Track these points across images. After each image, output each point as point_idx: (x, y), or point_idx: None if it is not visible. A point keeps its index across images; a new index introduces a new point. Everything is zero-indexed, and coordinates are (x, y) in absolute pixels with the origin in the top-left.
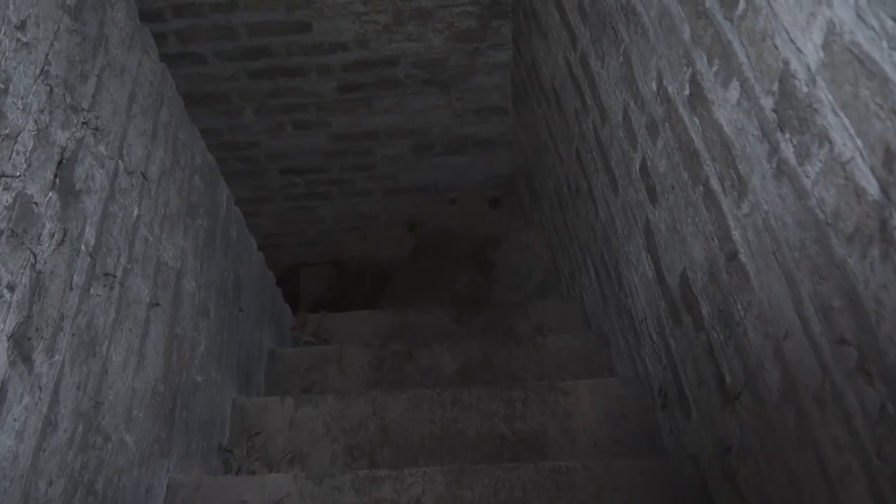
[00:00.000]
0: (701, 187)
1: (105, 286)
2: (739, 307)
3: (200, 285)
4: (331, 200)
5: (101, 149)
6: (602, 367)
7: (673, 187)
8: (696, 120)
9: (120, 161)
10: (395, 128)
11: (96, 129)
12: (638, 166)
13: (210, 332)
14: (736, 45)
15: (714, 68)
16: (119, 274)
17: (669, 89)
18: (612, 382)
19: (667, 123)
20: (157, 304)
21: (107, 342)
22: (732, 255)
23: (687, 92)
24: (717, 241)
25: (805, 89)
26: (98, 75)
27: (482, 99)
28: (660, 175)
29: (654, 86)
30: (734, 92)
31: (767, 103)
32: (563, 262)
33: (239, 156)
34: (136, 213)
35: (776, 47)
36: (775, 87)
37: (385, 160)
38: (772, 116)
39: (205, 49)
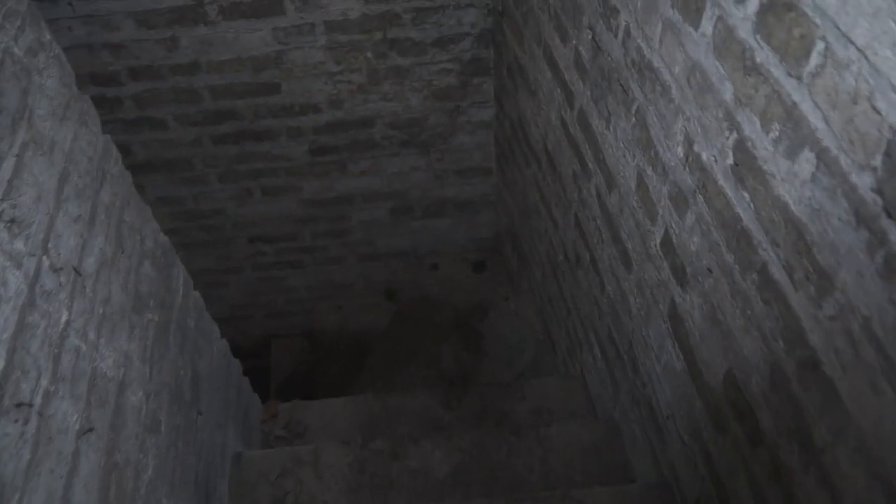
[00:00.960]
0: (755, 275)
1: (16, 421)
2: (824, 431)
3: (149, 394)
4: (303, 269)
5: (19, 245)
6: (616, 464)
7: (710, 270)
8: (746, 194)
9: (44, 257)
10: (372, 191)
11: (12, 220)
12: (658, 241)
13: (160, 449)
14: (806, 107)
15: (772, 135)
16: (38, 401)
17: (703, 156)
18: (636, 491)
19: (700, 196)
20: (91, 430)
21: (18, 495)
22: (811, 365)
23: (730, 161)
24: (782, 342)
25: None
26: (17, 155)
27: (464, 159)
28: (690, 254)
29: (680, 151)
30: (806, 164)
31: (864, 181)
32: (559, 334)
33: (203, 224)
34: (64, 318)
35: (878, 111)
36: (877, 162)
37: (361, 225)
38: (872, 198)
39: (165, 113)
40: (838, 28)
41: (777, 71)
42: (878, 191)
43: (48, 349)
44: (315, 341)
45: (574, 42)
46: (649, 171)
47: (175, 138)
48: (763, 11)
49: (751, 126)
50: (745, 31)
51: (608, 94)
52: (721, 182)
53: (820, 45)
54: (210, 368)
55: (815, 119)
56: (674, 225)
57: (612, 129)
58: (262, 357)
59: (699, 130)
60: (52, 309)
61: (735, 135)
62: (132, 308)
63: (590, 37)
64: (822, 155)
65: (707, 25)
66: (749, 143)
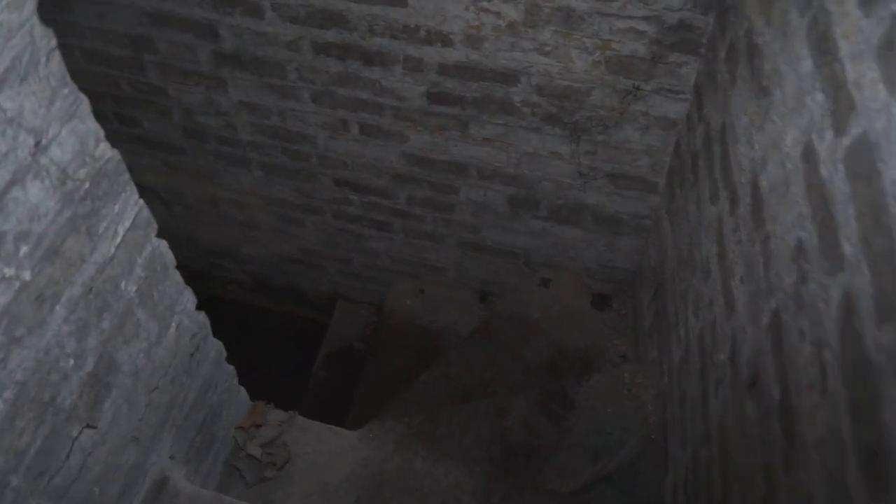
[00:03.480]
0: None
1: None
2: None
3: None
4: (390, 234)
5: None
6: None
7: None
8: None
9: None
10: (493, 167)
11: None
12: None
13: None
14: None
15: None
16: None
17: None
18: None
19: None
20: None
21: None
22: None
23: None
24: None
25: None
26: None
27: (623, 160)
28: None
29: None
30: None
31: None
32: (679, 452)
33: (287, 148)
34: None
35: None
36: None
37: (469, 205)
38: None
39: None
40: None
41: None
42: None
43: None
44: (383, 320)
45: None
46: None
47: (270, 33)
48: None
49: None
50: None
51: None
52: None
53: None
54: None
55: None
56: None
57: None
58: (324, 312)
59: None
60: None
61: None
62: None
63: None
64: None
65: None
66: None
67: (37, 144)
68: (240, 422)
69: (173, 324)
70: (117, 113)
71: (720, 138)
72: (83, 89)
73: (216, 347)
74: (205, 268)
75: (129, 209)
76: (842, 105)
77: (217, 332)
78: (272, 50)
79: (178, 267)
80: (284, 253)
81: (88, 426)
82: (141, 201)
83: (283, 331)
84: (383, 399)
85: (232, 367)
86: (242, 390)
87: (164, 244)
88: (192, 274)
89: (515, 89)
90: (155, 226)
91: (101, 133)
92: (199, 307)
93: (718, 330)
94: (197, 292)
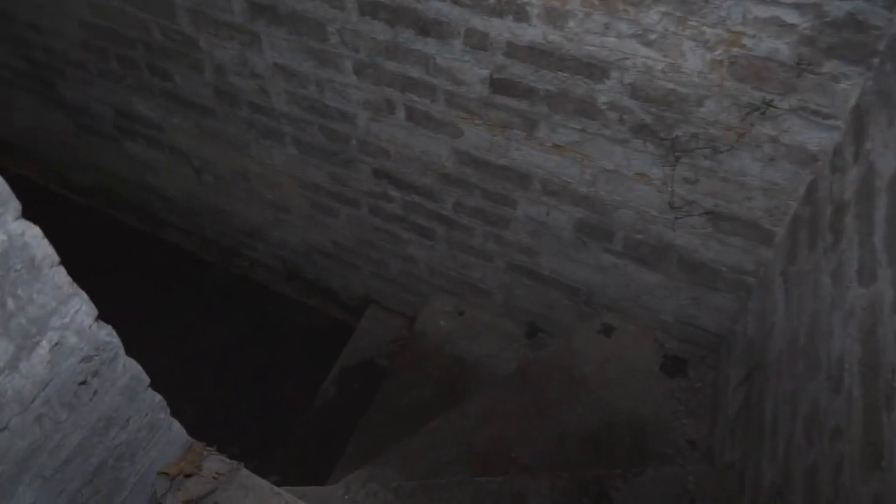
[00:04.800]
0: None
1: None
2: None
3: None
4: (432, 242)
5: None
6: None
7: None
8: None
9: None
10: (561, 182)
11: None
12: None
13: None
14: None
15: None
16: None
17: None
18: None
19: None
20: None
21: None
22: None
23: None
24: None
25: None
26: None
27: (733, 197)
28: None
29: None
30: None
31: None
32: None
33: (325, 126)
34: None
35: None
36: None
37: (527, 223)
38: None
39: None
40: None
41: None
42: None
43: None
44: (412, 339)
45: None
46: None
47: None
48: None
49: None
50: None
51: None
52: None
53: None
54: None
55: None
56: None
57: None
58: (354, 315)
59: None
60: None
61: None
62: None
63: None
64: None
65: None
66: None
67: None
68: (165, 466)
69: (45, 342)
70: (150, 64)
71: (890, 189)
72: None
73: (130, 373)
74: (235, 245)
75: None
76: None
77: (241, 317)
78: (313, 5)
79: (208, 241)
80: (315, 243)
81: None
82: None
83: (307, 328)
84: (386, 438)
85: (158, 397)
86: (175, 425)
87: (34, 231)
88: (222, 250)
89: (602, 86)
90: (16, 204)
91: None
92: (226, 285)
93: (847, 480)
94: (226, 270)
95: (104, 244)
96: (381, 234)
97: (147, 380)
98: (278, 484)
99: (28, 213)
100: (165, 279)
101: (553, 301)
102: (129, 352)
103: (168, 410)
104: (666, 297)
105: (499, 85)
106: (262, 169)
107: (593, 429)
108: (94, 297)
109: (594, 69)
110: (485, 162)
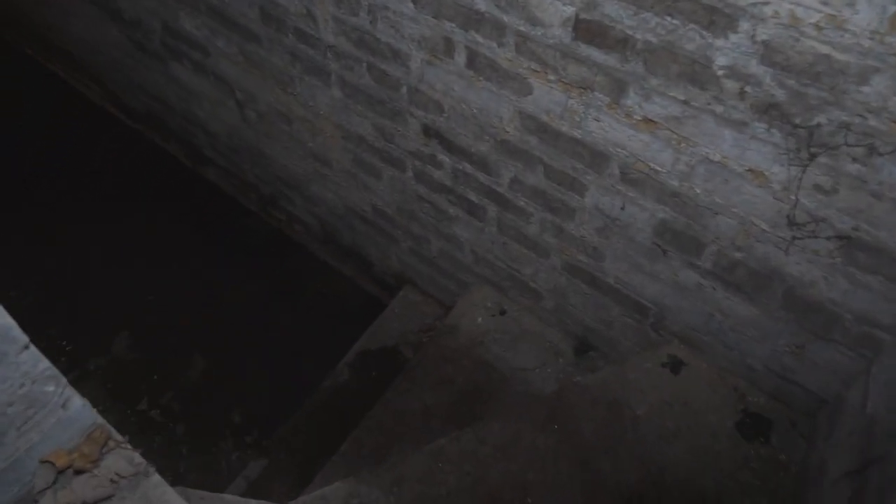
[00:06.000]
0: None
1: None
2: None
3: None
4: (481, 223)
5: None
6: None
7: None
8: None
9: None
10: (646, 169)
11: None
12: None
13: None
14: None
15: None
16: None
17: None
18: None
19: None
20: None
21: None
22: None
23: None
24: None
25: None
26: None
27: (884, 222)
28: None
29: None
30: None
31: None
32: None
33: (374, 66)
34: None
35: None
36: None
37: (596, 216)
38: None
39: None
40: None
41: None
42: None
43: None
44: (441, 332)
45: None
46: None
47: None
48: None
49: None
50: None
51: None
52: None
53: None
54: None
55: None
56: None
57: None
58: (388, 292)
59: None
60: None
61: None
62: None
63: None
64: None
65: None
66: None
67: None
68: (51, 453)
69: None
70: None
71: None
72: None
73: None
74: (274, 195)
75: None
76: None
77: (271, 273)
78: None
79: (248, 186)
80: (354, 205)
81: None
82: None
83: (336, 297)
84: (386, 445)
85: (45, 365)
86: (73, 403)
87: None
88: (262, 197)
89: (723, 42)
90: None
91: None
92: (261, 237)
93: None
94: (263, 222)
95: (146, 172)
96: (424, 204)
97: (23, 339)
98: (265, 471)
99: (81, 132)
100: (201, 220)
101: (613, 317)
102: (149, 286)
103: (62, 382)
104: (759, 338)
105: (584, 29)
106: (304, 111)
107: (634, 489)
108: (125, 224)
109: (717, 15)
110: (554, 131)
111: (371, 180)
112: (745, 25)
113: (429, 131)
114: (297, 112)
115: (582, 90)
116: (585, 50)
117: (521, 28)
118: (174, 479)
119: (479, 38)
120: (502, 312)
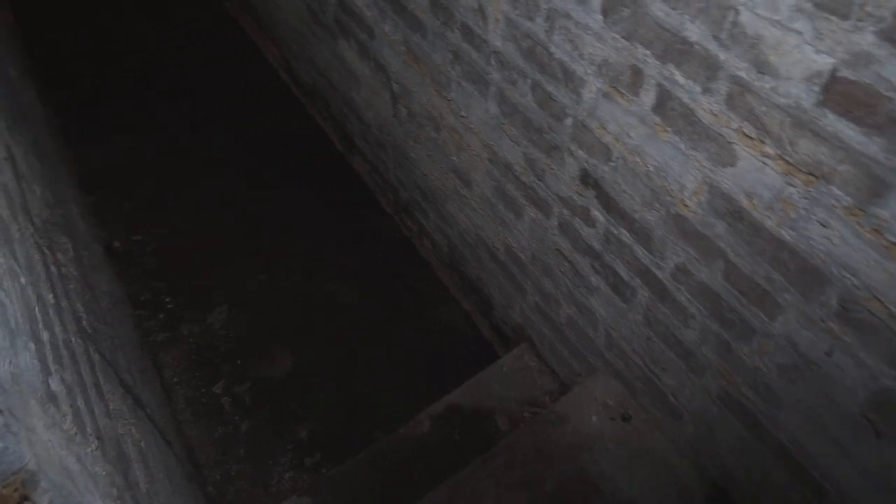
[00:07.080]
0: None
1: None
2: None
3: None
4: (626, 305)
5: None
6: None
7: None
8: None
9: None
10: (882, 309)
11: None
12: None
13: None
14: None
15: None
16: None
17: None
18: None
19: None
20: None
21: None
22: None
23: None
24: None
25: None
26: None
27: None
28: None
29: None
30: None
31: None
32: None
33: (539, 85)
34: None
35: None
36: None
37: (783, 349)
38: None
39: None
40: None
41: None
42: None
43: None
44: (549, 415)
45: None
46: None
47: None
48: None
49: None
50: None
51: None
52: None
53: None
54: None
55: None
56: None
57: None
58: (502, 344)
59: None
60: None
61: None
62: None
63: None
64: None
65: None
66: None
67: None
68: None
69: None
70: None
71: None
72: None
73: None
74: (410, 201)
75: None
76: None
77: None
78: None
79: (389, 186)
80: (487, 238)
81: None
82: None
83: (447, 328)
84: None
85: None
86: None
87: None
88: (399, 200)
89: None
90: None
91: None
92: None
93: None
94: (395, 227)
95: (300, 148)
96: (563, 262)
97: None
98: None
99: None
100: (337, 209)
101: (771, 481)
102: (263, 265)
103: None
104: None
105: (840, 93)
106: (455, 120)
107: None
108: (260, 192)
109: None
110: (753, 223)
111: (510, 216)
112: None
113: (587, 179)
114: (448, 120)
115: (811, 178)
116: (834, 123)
117: (742, 74)
118: (221, 479)
119: (679, 77)
120: (625, 418)
